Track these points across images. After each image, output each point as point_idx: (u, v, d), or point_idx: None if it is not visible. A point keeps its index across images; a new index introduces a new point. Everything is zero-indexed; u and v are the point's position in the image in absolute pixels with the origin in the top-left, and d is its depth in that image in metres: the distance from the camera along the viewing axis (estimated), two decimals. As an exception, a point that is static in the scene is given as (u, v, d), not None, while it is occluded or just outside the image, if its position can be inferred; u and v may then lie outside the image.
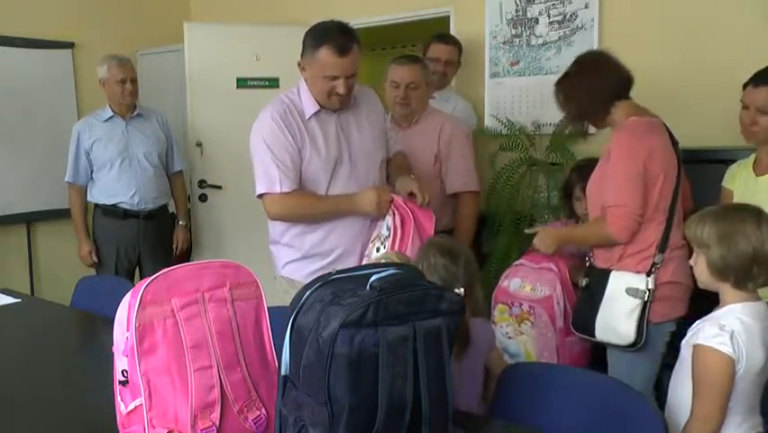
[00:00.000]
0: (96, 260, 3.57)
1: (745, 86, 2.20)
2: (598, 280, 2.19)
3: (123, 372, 1.22)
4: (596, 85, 2.21)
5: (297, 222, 2.34)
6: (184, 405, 1.19)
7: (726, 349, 1.55)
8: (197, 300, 1.23)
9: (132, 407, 1.21)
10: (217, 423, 1.20)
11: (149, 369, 1.19)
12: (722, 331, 1.57)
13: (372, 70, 5.32)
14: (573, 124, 2.35)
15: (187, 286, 1.24)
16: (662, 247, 2.12)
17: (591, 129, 2.40)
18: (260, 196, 2.31)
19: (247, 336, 1.27)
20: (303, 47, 2.23)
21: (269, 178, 2.26)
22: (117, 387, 1.25)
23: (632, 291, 2.10)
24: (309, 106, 2.29)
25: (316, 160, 2.29)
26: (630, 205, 2.08)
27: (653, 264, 2.10)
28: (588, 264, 2.30)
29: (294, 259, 2.38)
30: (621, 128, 2.18)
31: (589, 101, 2.21)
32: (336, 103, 2.27)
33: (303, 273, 2.32)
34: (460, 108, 3.36)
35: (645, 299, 2.09)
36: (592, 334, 2.18)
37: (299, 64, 2.27)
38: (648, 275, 2.10)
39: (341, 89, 2.20)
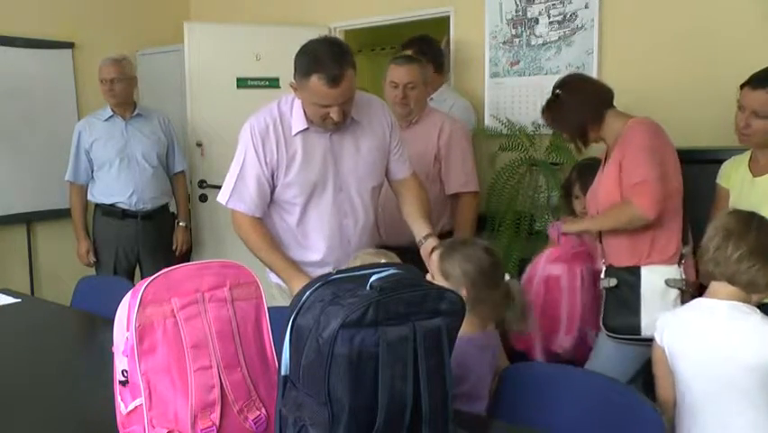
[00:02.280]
0: (95, 259, 3.57)
1: (742, 86, 2.18)
2: (629, 278, 2.18)
3: (122, 372, 1.22)
4: (588, 95, 2.28)
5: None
6: (184, 405, 1.19)
7: (656, 335, 1.75)
8: (197, 300, 1.23)
9: (132, 407, 1.21)
10: (217, 423, 1.20)
11: (149, 369, 1.19)
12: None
13: (372, 70, 5.33)
14: (578, 138, 2.33)
15: (187, 286, 1.24)
16: (685, 240, 2.18)
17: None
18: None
19: (247, 336, 1.27)
20: (294, 67, 2.08)
21: (227, 189, 2.21)
22: (117, 387, 1.25)
23: (671, 282, 2.13)
24: (298, 122, 2.17)
25: (292, 181, 2.19)
26: (653, 178, 2.08)
27: (682, 255, 2.16)
28: (606, 266, 2.27)
29: None
30: (633, 126, 2.18)
31: (587, 111, 2.26)
32: (331, 126, 2.14)
33: None
34: (457, 106, 3.35)
35: (683, 287, 2.13)
36: (637, 332, 2.16)
37: (292, 85, 2.12)
38: (679, 265, 2.15)
39: (335, 116, 2.06)
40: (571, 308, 2.43)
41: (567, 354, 2.43)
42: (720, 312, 1.64)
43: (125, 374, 1.22)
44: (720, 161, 2.38)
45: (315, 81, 1.99)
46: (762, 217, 1.70)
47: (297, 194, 2.21)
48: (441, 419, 1.11)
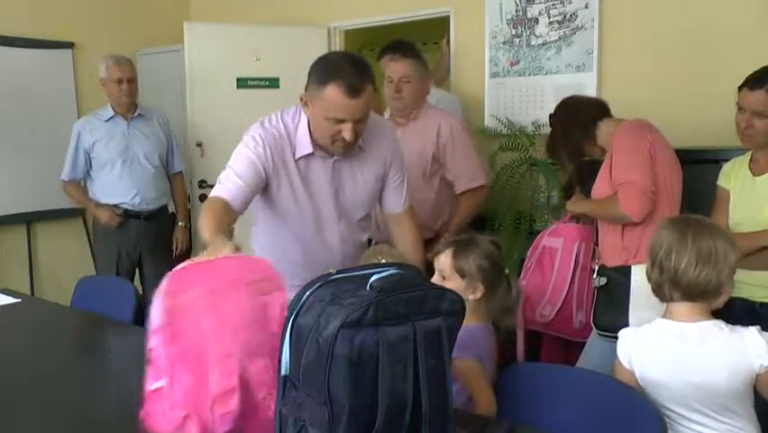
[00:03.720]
0: (122, 211, 3.48)
1: (740, 88, 2.17)
2: (619, 276, 2.19)
3: (150, 351, 1.23)
4: (574, 116, 2.34)
5: None
6: (204, 390, 1.20)
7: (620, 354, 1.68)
8: (225, 289, 1.24)
9: (154, 387, 1.23)
10: (236, 409, 1.21)
11: (174, 352, 1.20)
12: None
13: (373, 70, 5.32)
14: (574, 161, 2.44)
15: (217, 275, 1.26)
16: None
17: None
18: None
19: (272, 328, 1.28)
20: (308, 79, 1.90)
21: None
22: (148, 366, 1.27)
23: None
24: (303, 146, 1.98)
25: (282, 203, 2.04)
26: (640, 180, 2.09)
27: None
28: (599, 265, 2.30)
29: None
30: (621, 128, 2.22)
31: (575, 132, 2.32)
32: (340, 149, 1.95)
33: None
34: (443, 102, 3.33)
35: None
36: None
37: (302, 98, 1.94)
38: None
39: (347, 135, 1.87)
40: (558, 279, 2.52)
41: (547, 325, 2.49)
42: (691, 337, 1.59)
43: (151, 354, 1.23)
44: (720, 161, 2.38)
45: (333, 90, 1.81)
46: (696, 222, 1.66)
47: (286, 215, 2.07)
48: (441, 419, 1.11)
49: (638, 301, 2.15)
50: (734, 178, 2.29)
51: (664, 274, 1.61)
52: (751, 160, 2.27)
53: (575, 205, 2.47)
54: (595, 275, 2.30)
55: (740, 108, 2.17)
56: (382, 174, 2.14)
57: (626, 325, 2.15)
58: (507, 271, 1.83)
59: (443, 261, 1.82)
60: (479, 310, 1.74)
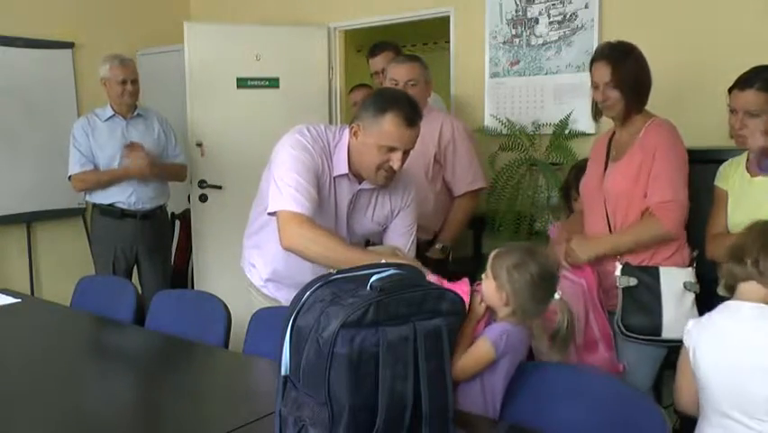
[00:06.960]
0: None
1: (730, 90, 2.18)
2: (647, 278, 2.17)
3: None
4: (648, 71, 2.25)
5: (308, 260, 1.92)
6: None
7: (685, 339, 1.72)
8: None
9: None
10: None
11: None
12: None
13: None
14: (635, 103, 2.23)
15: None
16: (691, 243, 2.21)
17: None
18: (274, 214, 1.96)
19: None
20: (362, 110, 1.96)
21: (276, 194, 1.94)
22: None
23: (689, 285, 2.14)
24: (339, 166, 2.03)
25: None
26: (682, 199, 2.14)
27: (693, 258, 2.19)
28: (622, 264, 2.21)
29: (262, 282, 2.28)
30: (659, 127, 2.21)
31: (646, 84, 2.24)
32: (382, 179, 1.99)
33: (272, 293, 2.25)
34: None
35: (698, 291, 2.13)
36: (658, 333, 2.14)
37: (352, 127, 1.98)
38: (690, 267, 2.17)
39: (395, 164, 1.93)
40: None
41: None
42: (744, 313, 1.63)
43: None
44: (720, 161, 2.38)
45: (391, 119, 1.89)
46: None
47: None
48: (441, 420, 1.11)
49: (668, 305, 2.14)
50: (731, 178, 2.28)
51: (762, 265, 1.64)
52: (748, 160, 2.26)
53: (587, 251, 2.23)
54: (618, 273, 2.21)
55: (732, 110, 2.18)
56: (390, 217, 2.18)
57: (659, 327, 2.14)
58: (559, 295, 1.73)
59: (489, 258, 1.77)
60: (511, 314, 1.72)
